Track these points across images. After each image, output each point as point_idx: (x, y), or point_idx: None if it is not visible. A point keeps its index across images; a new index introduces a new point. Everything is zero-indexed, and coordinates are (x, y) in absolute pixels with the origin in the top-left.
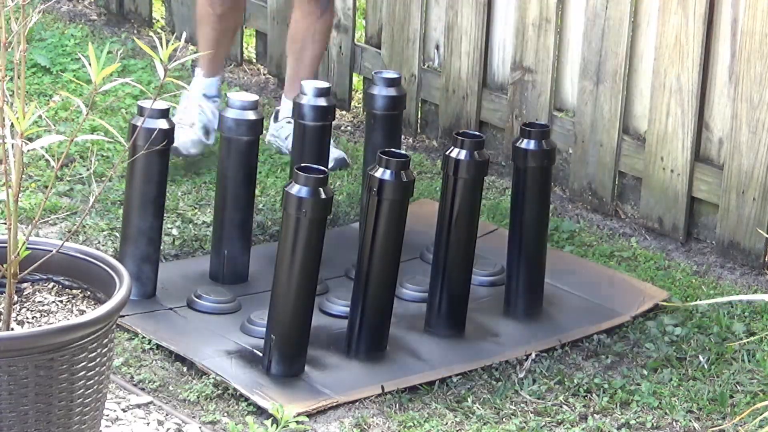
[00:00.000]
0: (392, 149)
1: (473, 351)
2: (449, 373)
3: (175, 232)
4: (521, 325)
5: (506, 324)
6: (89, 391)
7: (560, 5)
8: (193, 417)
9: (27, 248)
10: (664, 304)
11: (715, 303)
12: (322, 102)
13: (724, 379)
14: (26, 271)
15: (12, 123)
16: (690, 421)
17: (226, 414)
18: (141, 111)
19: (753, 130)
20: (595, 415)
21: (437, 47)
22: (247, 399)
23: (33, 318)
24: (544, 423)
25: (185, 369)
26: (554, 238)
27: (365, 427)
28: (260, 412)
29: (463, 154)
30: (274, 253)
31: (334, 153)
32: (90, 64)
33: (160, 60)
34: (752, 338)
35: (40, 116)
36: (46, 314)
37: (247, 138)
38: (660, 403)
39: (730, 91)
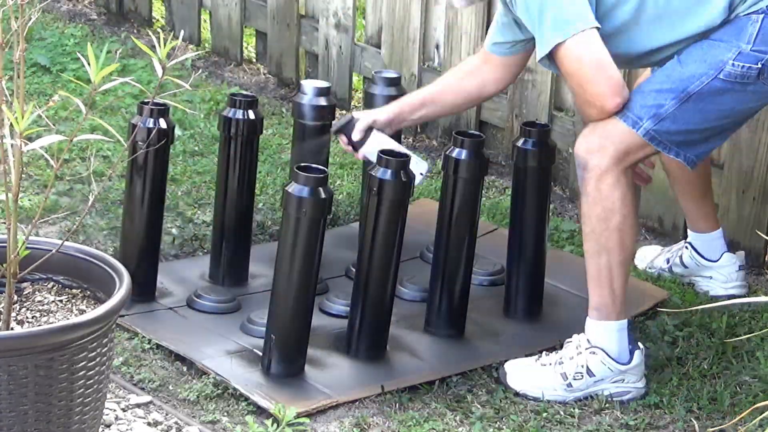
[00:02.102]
0: (392, 149)
1: (473, 351)
2: (449, 373)
3: (174, 231)
4: (521, 325)
5: (506, 324)
6: (89, 390)
7: None
8: (193, 417)
9: (27, 248)
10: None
11: (716, 306)
12: (322, 102)
13: (724, 379)
14: (26, 271)
15: (11, 123)
16: (690, 421)
17: (226, 414)
18: (141, 110)
19: (753, 130)
20: (594, 415)
21: (437, 47)
22: (247, 399)
23: (33, 318)
24: (543, 423)
25: (185, 368)
26: (554, 238)
27: (365, 426)
28: (260, 411)
29: (463, 154)
30: (274, 253)
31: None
32: (89, 64)
33: (158, 59)
34: (752, 338)
35: (39, 116)
36: (46, 314)
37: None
38: (660, 403)
39: None
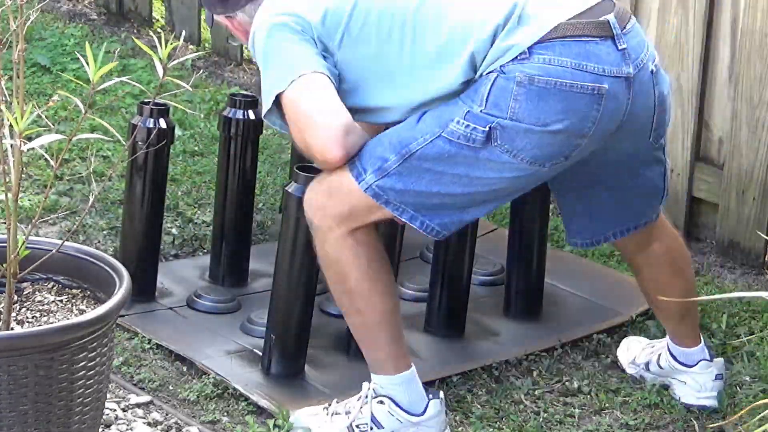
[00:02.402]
0: None
1: (473, 351)
2: (449, 373)
3: (174, 231)
4: (521, 325)
5: (506, 324)
6: (89, 390)
7: None
8: (193, 416)
9: (27, 248)
10: None
11: (714, 300)
12: None
13: (725, 378)
14: (26, 271)
15: (11, 123)
16: (690, 421)
17: (225, 413)
18: (141, 110)
19: (753, 130)
20: (594, 415)
21: None
22: (246, 398)
23: (33, 317)
24: (543, 423)
25: (185, 368)
26: (554, 238)
27: None
28: (260, 411)
29: None
30: (274, 253)
31: None
32: (88, 64)
33: (159, 59)
34: (752, 338)
35: (39, 116)
36: (46, 314)
37: None
38: (660, 403)
39: (730, 91)
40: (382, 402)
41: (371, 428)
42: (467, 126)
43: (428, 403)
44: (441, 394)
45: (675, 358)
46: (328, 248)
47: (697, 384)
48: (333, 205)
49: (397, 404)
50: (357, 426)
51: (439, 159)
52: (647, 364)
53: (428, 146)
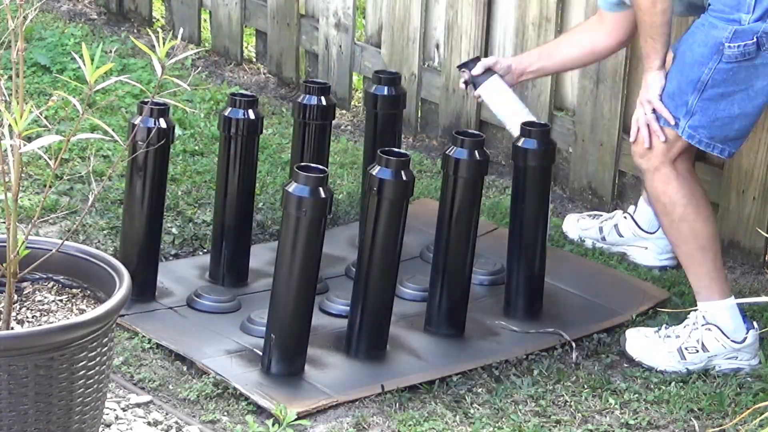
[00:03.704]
0: (392, 148)
1: (473, 350)
2: (449, 373)
3: (175, 231)
4: (521, 324)
5: (506, 323)
6: (89, 390)
7: (560, 4)
8: (193, 416)
9: (27, 247)
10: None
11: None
12: (322, 101)
13: (724, 379)
14: (26, 271)
15: (10, 123)
16: (690, 421)
17: (226, 413)
18: (140, 110)
19: (753, 130)
20: (595, 415)
21: (437, 46)
22: (247, 398)
23: (33, 317)
24: (543, 423)
25: (185, 368)
26: (554, 238)
27: (365, 426)
28: (260, 411)
29: (463, 154)
30: (274, 253)
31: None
32: (84, 64)
33: (158, 58)
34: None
35: (38, 116)
36: (46, 313)
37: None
38: (660, 402)
39: None
40: (709, 329)
41: (697, 351)
42: (738, 46)
43: (748, 332)
44: (755, 324)
45: (639, 226)
46: (656, 184)
47: (658, 248)
48: (655, 147)
49: (722, 331)
50: (686, 348)
51: (727, 80)
52: (602, 236)
53: (715, 73)
